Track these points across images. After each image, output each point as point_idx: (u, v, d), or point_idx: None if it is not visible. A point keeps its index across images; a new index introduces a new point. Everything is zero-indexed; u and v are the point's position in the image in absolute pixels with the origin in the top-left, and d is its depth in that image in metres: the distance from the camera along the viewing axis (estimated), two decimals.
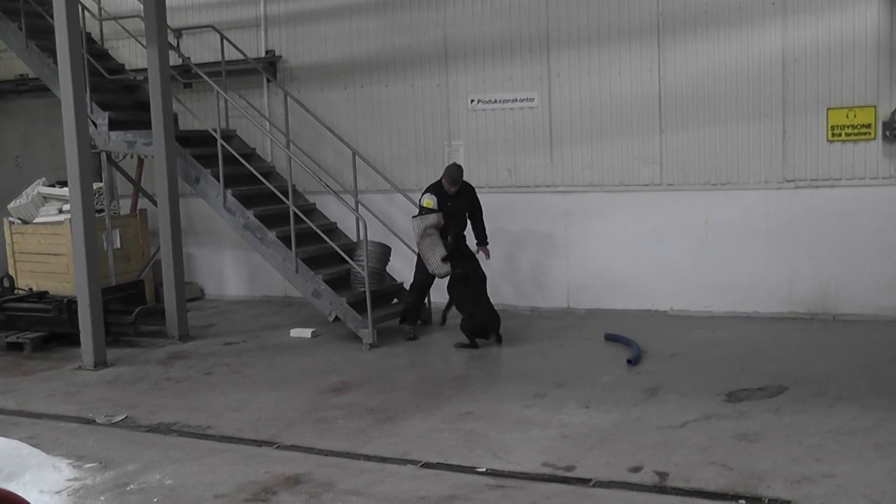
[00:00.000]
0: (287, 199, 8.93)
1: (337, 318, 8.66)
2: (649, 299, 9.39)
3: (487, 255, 8.80)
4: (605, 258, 9.54)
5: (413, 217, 8.46)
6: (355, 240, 9.50)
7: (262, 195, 9.34)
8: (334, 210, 9.86)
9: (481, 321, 8.13)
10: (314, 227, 8.93)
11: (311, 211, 9.65)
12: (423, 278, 8.63)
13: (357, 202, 9.50)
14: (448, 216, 8.44)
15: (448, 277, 8.36)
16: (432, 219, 8.33)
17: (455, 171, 8.46)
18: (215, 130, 9.25)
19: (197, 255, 11.54)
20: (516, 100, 9.71)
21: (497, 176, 9.91)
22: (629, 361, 7.39)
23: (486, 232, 8.81)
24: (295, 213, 8.83)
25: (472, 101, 9.91)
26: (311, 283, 8.77)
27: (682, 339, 8.22)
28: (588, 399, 6.53)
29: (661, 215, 9.25)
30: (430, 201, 8.37)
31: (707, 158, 9.04)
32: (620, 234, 9.44)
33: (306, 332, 9.02)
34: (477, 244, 8.76)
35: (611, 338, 8.28)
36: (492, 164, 9.91)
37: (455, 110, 9.99)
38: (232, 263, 11.38)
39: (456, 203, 8.55)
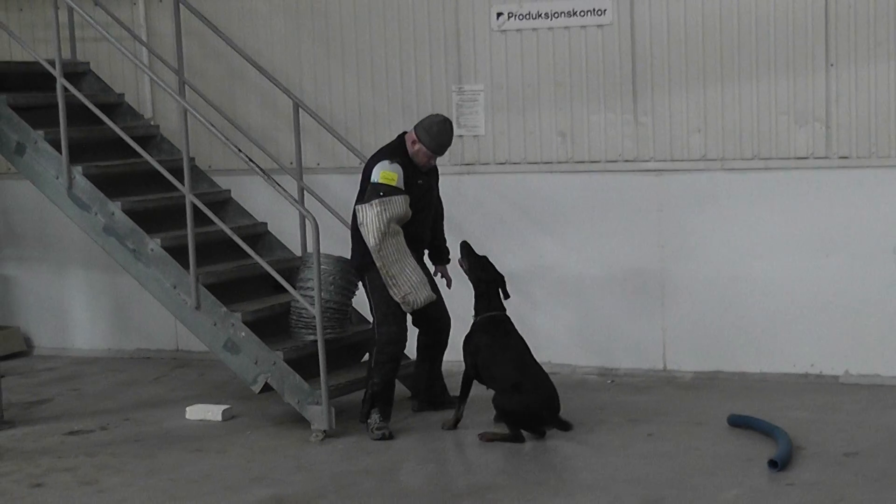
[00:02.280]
0: (181, 182, 8.91)
1: (267, 388, 8.65)
2: (808, 357, 9.45)
3: (449, 283, 8.99)
4: (728, 286, 9.57)
5: (360, 204, 8.31)
6: (299, 253, 9.60)
7: (138, 176, 9.42)
8: (263, 202, 9.99)
9: (533, 399, 8.12)
10: (228, 231, 8.92)
11: (222, 203, 9.73)
12: (393, 324, 8.43)
13: (302, 189, 9.57)
14: (418, 206, 8.46)
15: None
16: (398, 205, 8.26)
17: (446, 130, 8.48)
18: (52, 63, 9.25)
19: (19, 279, 11.65)
20: (575, 13, 9.75)
21: (542, 144, 9.97)
22: (773, 464, 7.39)
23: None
24: (195, 208, 8.83)
25: (500, 15, 9.96)
26: (222, 329, 8.79)
27: (868, 427, 8.25)
28: None
29: (829, 211, 9.30)
30: (392, 174, 8.29)
31: None
32: (756, 244, 9.49)
33: (214, 412, 9.06)
34: (434, 263, 8.94)
35: (740, 423, 8.32)
36: (532, 125, 9.98)
37: (470, 32, 10.08)
38: (83, 295, 11.47)
39: (428, 185, 8.63)
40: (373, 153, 8.63)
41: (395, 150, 8.44)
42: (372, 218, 8.17)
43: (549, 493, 7.16)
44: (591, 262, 9.86)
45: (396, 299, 8.28)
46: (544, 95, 9.87)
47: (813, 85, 9.19)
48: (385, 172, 8.25)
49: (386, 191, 8.21)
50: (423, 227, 8.59)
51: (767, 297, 9.44)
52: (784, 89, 9.26)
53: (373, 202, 8.18)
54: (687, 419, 8.50)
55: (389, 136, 10.06)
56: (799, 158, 9.29)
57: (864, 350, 9.25)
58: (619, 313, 9.84)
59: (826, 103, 9.19)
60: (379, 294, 8.37)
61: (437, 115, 8.63)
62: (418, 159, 8.41)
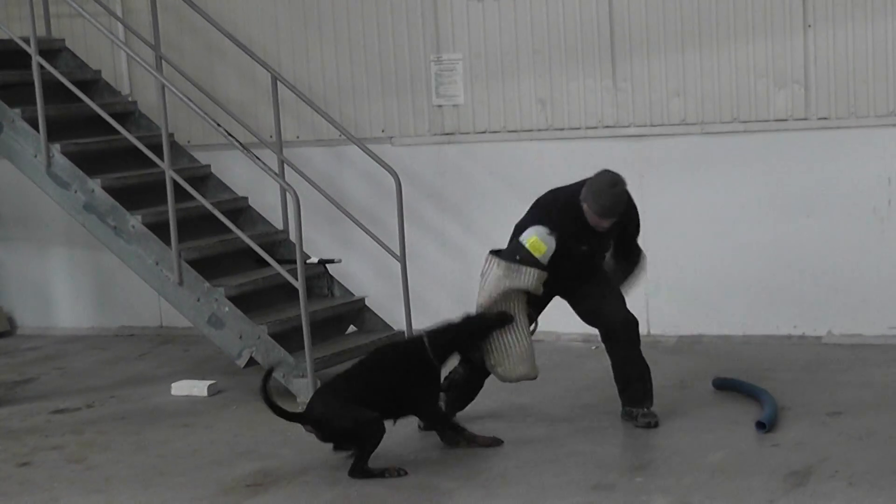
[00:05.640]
0: (161, 158, 8.92)
1: (253, 362, 8.68)
2: (791, 318, 9.49)
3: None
4: (710, 249, 9.60)
5: (495, 255, 7.54)
6: (281, 227, 9.65)
7: (117, 153, 9.41)
8: (243, 176, 9.98)
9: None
10: (209, 206, 8.95)
11: (203, 178, 9.74)
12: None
13: (282, 162, 9.58)
14: (574, 267, 7.61)
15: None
16: (526, 278, 7.41)
17: (612, 194, 7.41)
18: (26, 40, 9.23)
19: (1, 259, 11.64)
20: None
21: (521, 113, 9.98)
22: (759, 425, 7.44)
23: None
24: (176, 184, 8.84)
25: None
26: (205, 304, 8.80)
27: (851, 386, 8.30)
28: (687, 492, 6.54)
29: (809, 172, 9.32)
30: (542, 247, 7.39)
31: (893, 71, 9.07)
32: (737, 207, 9.50)
33: (200, 388, 9.08)
34: None
35: (724, 385, 8.35)
36: (511, 94, 9.98)
37: (448, 1, 10.06)
38: (66, 273, 11.47)
39: (594, 249, 7.73)
40: (550, 190, 7.70)
41: (562, 211, 7.47)
42: (492, 278, 7.43)
43: (536, 459, 7.17)
44: None
45: (487, 366, 7.58)
46: (523, 63, 9.86)
47: (791, 47, 9.21)
48: (536, 241, 7.37)
49: (524, 258, 7.38)
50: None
51: (749, 259, 9.47)
52: (762, 52, 9.28)
53: (502, 263, 7.41)
54: (672, 383, 8.52)
55: (370, 109, 10.24)
56: (778, 121, 9.32)
57: (846, 310, 9.30)
58: None
59: (804, 65, 9.21)
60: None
61: (606, 173, 7.50)
62: (591, 220, 7.45)
